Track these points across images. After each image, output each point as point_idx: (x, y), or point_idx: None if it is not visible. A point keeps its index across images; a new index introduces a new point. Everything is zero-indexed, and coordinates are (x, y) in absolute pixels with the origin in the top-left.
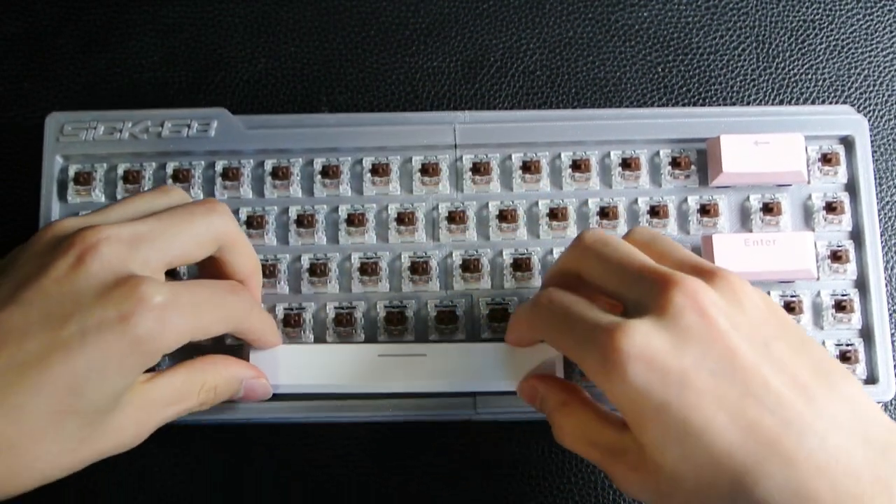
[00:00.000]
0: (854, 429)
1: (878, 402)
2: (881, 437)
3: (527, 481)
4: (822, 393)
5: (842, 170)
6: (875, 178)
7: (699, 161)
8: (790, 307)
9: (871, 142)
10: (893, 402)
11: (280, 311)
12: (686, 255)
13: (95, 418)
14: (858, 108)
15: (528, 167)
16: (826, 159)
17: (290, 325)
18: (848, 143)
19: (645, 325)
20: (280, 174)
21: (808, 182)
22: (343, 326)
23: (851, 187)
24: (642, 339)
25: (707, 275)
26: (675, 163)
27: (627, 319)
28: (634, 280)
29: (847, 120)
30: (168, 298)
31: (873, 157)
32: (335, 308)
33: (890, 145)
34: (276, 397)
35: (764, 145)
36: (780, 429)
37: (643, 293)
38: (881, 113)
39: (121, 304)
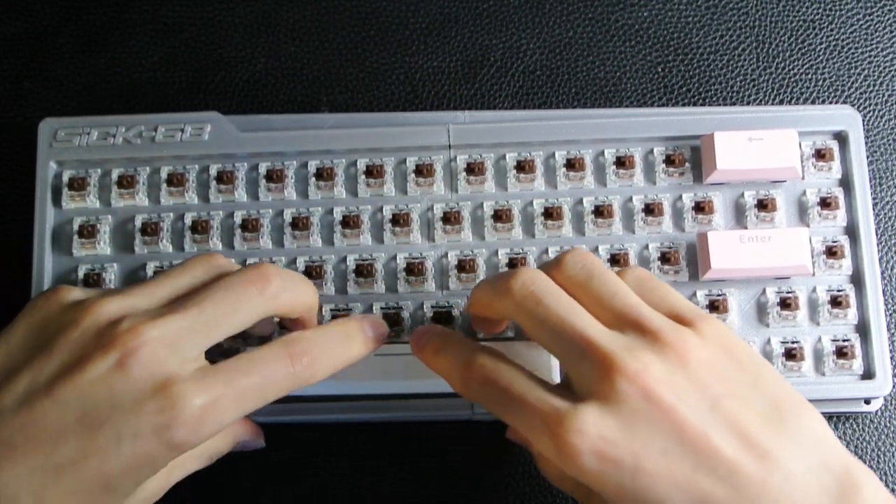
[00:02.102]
0: (811, 465)
1: (875, 397)
2: (837, 468)
3: (526, 481)
4: (774, 443)
5: (836, 165)
6: (875, 178)
7: (693, 158)
8: (786, 303)
9: (871, 141)
10: (889, 397)
11: None
12: (665, 299)
13: (125, 499)
14: (858, 108)
15: (523, 167)
16: (820, 155)
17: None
18: (842, 138)
19: (592, 414)
20: (274, 177)
21: (803, 178)
22: None
23: (846, 182)
24: (592, 430)
25: (686, 322)
26: (669, 160)
27: (574, 407)
28: (575, 356)
29: (840, 115)
30: (207, 401)
31: (873, 156)
32: (331, 310)
33: (890, 145)
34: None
35: (758, 142)
36: (733, 498)
37: (585, 373)
38: (881, 113)
39: (159, 413)
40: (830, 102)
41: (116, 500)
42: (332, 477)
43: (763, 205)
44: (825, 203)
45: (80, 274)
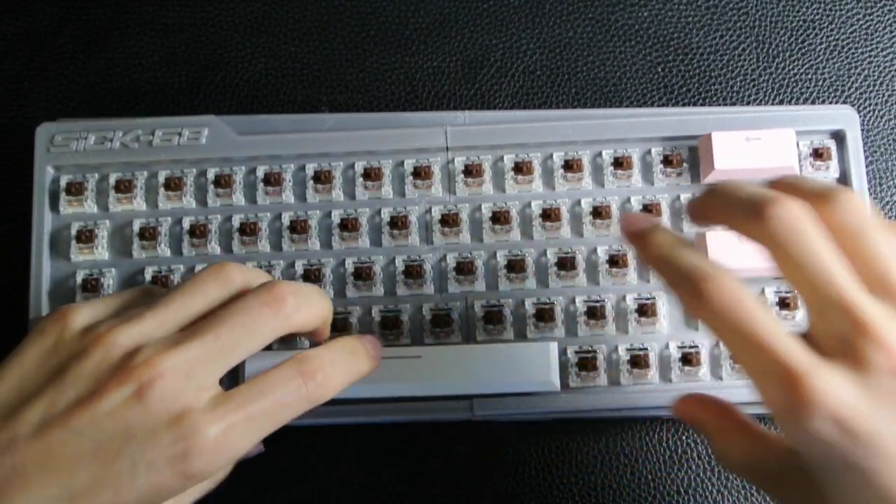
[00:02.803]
0: None
1: None
2: None
3: (526, 482)
4: None
5: (833, 164)
6: (874, 178)
7: (691, 158)
8: (785, 303)
9: (871, 141)
10: None
11: None
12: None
13: None
14: (858, 108)
15: (520, 168)
16: (818, 154)
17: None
18: (839, 137)
19: (838, 377)
20: (272, 180)
21: None
22: (338, 331)
23: (843, 181)
24: (836, 395)
25: None
26: (666, 161)
27: (821, 364)
28: (828, 305)
29: (838, 114)
30: (223, 430)
31: (872, 156)
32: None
33: (890, 145)
34: None
35: (755, 141)
36: None
37: (837, 332)
38: (881, 113)
39: (175, 445)
40: (830, 102)
41: None
42: (333, 480)
43: None
44: None
45: (79, 279)
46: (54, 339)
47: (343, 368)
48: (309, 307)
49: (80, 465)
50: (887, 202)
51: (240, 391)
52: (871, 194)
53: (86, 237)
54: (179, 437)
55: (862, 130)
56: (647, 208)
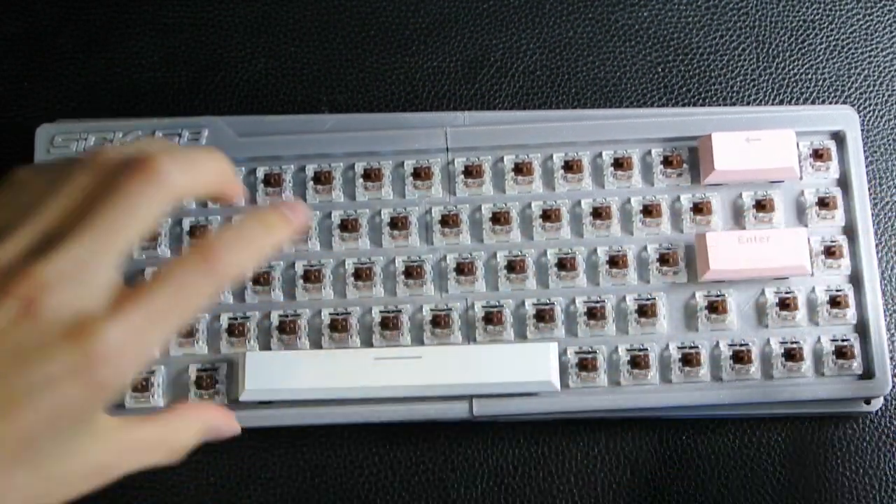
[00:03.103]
0: None
1: (875, 397)
2: None
3: (526, 482)
4: None
5: (833, 165)
6: (874, 178)
7: (691, 159)
8: (785, 304)
9: (871, 141)
10: (889, 397)
11: (275, 318)
12: None
13: (52, 467)
14: (858, 108)
15: (521, 169)
16: (818, 155)
17: (286, 331)
18: (839, 138)
19: None
20: (272, 181)
21: (801, 178)
22: (338, 332)
23: (843, 182)
24: None
25: None
26: (667, 161)
27: None
28: None
29: (838, 115)
30: (125, 329)
31: (872, 156)
32: (330, 314)
33: (890, 145)
34: (273, 402)
35: (755, 142)
36: None
37: None
38: (881, 113)
39: (72, 354)
40: (830, 102)
41: (40, 460)
42: (331, 478)
43: (761, 205)
44: (823, 203)
45: None
46: None
47: (255, 243)
48: (193, 165)
49: None
50: (887, 202)
51: (139, 287)
52: (871, 194)
53: None
54: (77, 345)
55: (862, 130)
56: (648, 209)
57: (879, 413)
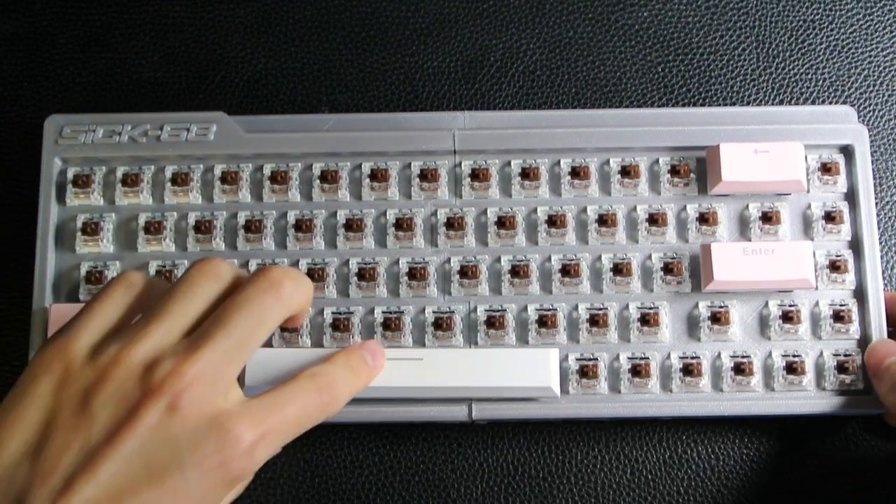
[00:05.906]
0: None
1: (874, 414)
2: None
3: (526, 482)
4: None
5: (841, 179)
6: (875, 179)
7: (698, 169)
8: (788, 317)
9: (871, 142)
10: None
11: None
12: None
13: None
14: (858, 108)
15: (528, 174)
16: (826, 168)
17: (288, 329)
18: (848, 152)
19: None
20: (279, 179)
21: (808, 191)
22: (340, 331)
23: (851, 197)
24: None
25: None
26: (674, 171)
27: None
28: None
29: (847, 129)
30: (258, 434)
31: (873, 157)
32: (332, 313)
33: (890, 145)
34: None
35: (763, 154)
36: None
37: None
38: (881, 113)
39: (219, 450)
40: (830, 102)
41: None
42: (331, 478)
43: (767, 217)
44: (830, 217)
45: (83, 271)
46: (61, 372)
47: (348, 385)
48: (301, 288)
49: (134, 486)
50: (887, 202)
51: (266, 399)
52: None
53: (91, 229)
54: (221, 441)
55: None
56: (653, 217)
57: (880, 414)
